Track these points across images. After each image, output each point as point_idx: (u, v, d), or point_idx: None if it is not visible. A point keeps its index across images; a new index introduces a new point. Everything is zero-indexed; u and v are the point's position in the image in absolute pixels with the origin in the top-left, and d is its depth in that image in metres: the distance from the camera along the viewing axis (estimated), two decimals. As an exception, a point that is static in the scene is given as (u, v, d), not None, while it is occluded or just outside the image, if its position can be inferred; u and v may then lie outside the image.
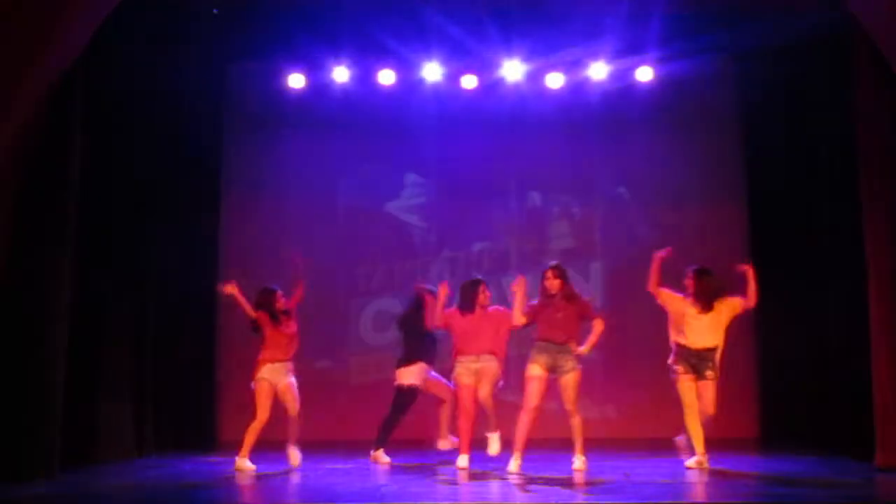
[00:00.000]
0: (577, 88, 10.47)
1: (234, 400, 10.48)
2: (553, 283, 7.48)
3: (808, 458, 8.14)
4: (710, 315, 7.53)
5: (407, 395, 8.07)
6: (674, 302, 7.64)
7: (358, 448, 8.88)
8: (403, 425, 8.23)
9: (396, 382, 8.08)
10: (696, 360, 7.52)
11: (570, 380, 7.37)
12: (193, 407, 9.84)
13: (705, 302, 7.53)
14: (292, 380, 7.93)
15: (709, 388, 7.54)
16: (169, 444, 9.27)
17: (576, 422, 7.46)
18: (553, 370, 7.38)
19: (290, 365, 7.97)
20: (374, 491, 6.51)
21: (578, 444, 7.50)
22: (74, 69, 7.31)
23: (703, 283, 7.56)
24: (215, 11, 9.36)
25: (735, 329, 10.10)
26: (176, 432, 9.50)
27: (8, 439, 6.86)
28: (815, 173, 8.96)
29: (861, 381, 7.70)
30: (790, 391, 9.63)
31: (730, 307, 7.59)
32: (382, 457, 8.09)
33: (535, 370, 7.37)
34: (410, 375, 8.04)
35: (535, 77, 10.33)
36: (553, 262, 7.71)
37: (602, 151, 10.92)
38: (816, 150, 8.91)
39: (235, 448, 7.41)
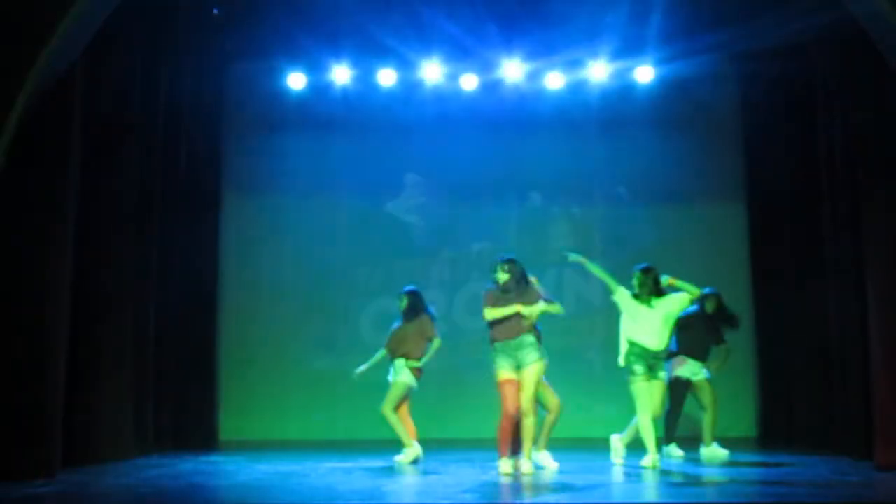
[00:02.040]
0: (577, 88, 10.48)
1: (234, 400, 10.52)
2: (502, 277, 7.34)
3: (808, 458, 8.14)
4: (660, 312, 7.67)
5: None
6: (626, 299, 7.79)
7: (358, 448, 8.91)
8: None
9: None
10: (653, 361, 7.65)
11: (529, 373, 7.17)
12: (193, 407, 9.84)
13: (649, 296, 7.69)
14: (401, 379, 8.12)
15: (660, 388, 7.68)
16: (169, 444, 9.27)
17: (528, 423, 7.19)
18: (518, 368, 7.21)
19: (405, 362, 8.15)
20: (374, 491, 6.51)
21: (527, 447, 7.22)
22: (74, 69, 7.30)
23: (649, 279, 7.72)
24: (215, 11, 9.36)
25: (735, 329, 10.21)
26: (176, 432, 9.50)
27: (8, 439, 6.86)
28: (815, 173, 8.95)
29: (861, 381, 7.70)
30: (790, 391, 9.63)
31: (678, 303, 7.77)
32: (675, 451, 8.37)
33: (504, 374, 7.20)
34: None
35: (535, 77, 10.34)
36: (506, 257, 7.52)
37: (602, 151, 10.93)
38: (816, 149, 8.90)
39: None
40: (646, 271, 7.79)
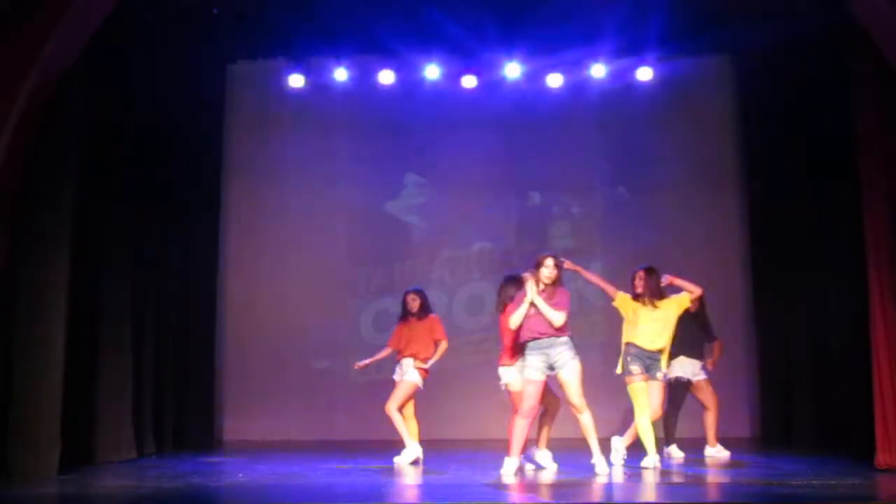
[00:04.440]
0: (577, 88, 10.47)
1: (234, 400, 10.52)
2: (553, 274, 7.20)
3: (808, 458, 8.14)
4: (661, 313, 7.65)
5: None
6: (627, 303, 7.77)
7: (358, 448, 8.90)
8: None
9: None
10: (650, 362, 7.63)
11: (567, 372, 7.10)
12: (193, 407, 9.84)
13: (652, 298, 7.67)
14: (406, 378, 8.13)
15: (658, 389, 7.67)
16: (169, 444, 9.27)
17: (585, 419, 7.16)
18: (551, 368, 7.14)
19: (413, 362, 8.15)
20: (374, 491, 6.51)
21: (593, 444, 7.16)
22: (74, 69, 7.30)
23: (652, 280, 7.70)
24: (215, 11, 9.35)
25: (735, 329, 10.22)
26: (176, 432, 9.50)
27: (8, 440, 6.86)
28: (815, 173, 8.96)
29: (861, 381, 7.70)
30: (790, 391, 9.63)
31: (678, 304, 7.75)
32: (676, 451, 8.36)
33: (532, 374, 7.10)
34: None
35: (535, 77, 10.34)
36: (551, 252, 7.44)
37: (602, 151, 10.93)
38: (816, 149, 8.90)
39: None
40: (649, 272, 7.76)
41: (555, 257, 7.32)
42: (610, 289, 7.90)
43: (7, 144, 6.82)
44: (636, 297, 7.75)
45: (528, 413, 7.14)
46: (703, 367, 8.53)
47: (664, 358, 7.71)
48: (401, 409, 8.14)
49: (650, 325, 7.64)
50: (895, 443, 7.12)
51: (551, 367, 7.13)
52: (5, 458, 6.83)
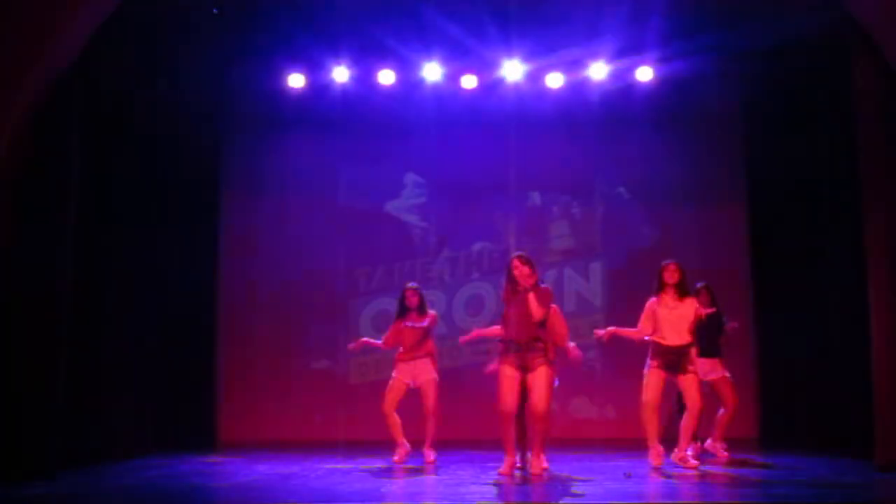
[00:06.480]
0: (577, 88, 10.47)
1: (234, 400, 10.52)
2: (523, 272, 7.07)
3: (808, 458, 8.13)
4: (683, 308, 7.59)
5: None
6: (651, 317, 7.67)
7: (358, 448, 8.89)
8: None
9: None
10: (675, 358, 7.53)
11: (538, 376, 6.97)
12: (193, 407, 9.84)
13: (682, 291, 7.62)
14: (430, 377, 8.06)
15: (692, 381, 7.54)
16: (169, 444, 9.27)
17: (541, 427, 7.03)
18: (523, 369, 7.03)
19: (424, 363, 8.10)
20: (374, 491, 6.51)
21: (536, 448, 7.09)
22: (74, 69, 7.30)
23: (682, 274, 7.65)
24: (215, 11, 9.35)
25: (735, 329, 10.20)
26: (176, 432, 9.51)
27: (7, 439, 6.86)
28: (816, 172, 8.97)
29: (861, 381, 7.70)
30: (790, 391, 9.63)
31: (692, 309, 7.67)
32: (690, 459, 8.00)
33: (506, 370, 7.05)
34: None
35: (535, 77, 10.33)
36: (518, 252, 7.34)
37: (602, 151, 10.93)
38: (816, 149, 8.91)
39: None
40: (680, 267, 7.68)
41: (521, 257, 7.18)
42: (636, 332, 7.77)
43: (8, 143, 6.82)
44: (661, 289, 7.65)
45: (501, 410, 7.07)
46: (721, 365, 8.41)
47: (693, 352, 7.59)
48: (394, 409, 8.11)
49: (671, 322, 7.57)
50: (895, 443, 7.13)
51: (524, 369, 7.02)
52: (5, 458, 6.82)
